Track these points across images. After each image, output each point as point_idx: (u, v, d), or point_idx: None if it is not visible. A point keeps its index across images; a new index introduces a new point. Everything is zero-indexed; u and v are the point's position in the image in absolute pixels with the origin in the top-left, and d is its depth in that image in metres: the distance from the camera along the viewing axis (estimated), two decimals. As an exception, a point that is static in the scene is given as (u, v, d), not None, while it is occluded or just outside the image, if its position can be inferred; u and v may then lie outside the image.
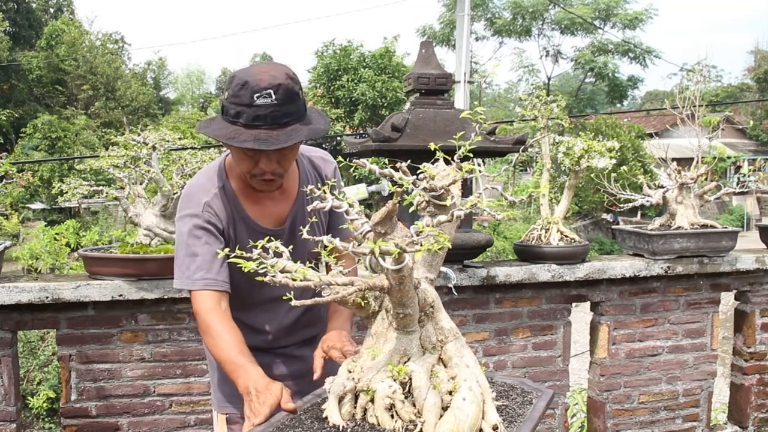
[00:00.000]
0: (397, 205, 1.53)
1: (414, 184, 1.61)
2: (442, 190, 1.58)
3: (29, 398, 7.14)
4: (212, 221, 2.14)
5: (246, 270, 1.55)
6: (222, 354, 1.98)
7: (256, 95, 1.92)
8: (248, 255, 1.76)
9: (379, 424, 1.57)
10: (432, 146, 1.68)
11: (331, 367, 2.32)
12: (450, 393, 1.57)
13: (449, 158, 1.73)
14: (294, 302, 1.52)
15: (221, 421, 2.38)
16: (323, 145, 24.95)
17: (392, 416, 1.57)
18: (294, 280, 1.51)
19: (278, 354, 2.36)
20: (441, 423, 1.51)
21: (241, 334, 2.03)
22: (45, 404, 7.13)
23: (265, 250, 1.57)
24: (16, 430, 3.21)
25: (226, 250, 1.83)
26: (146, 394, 3.30)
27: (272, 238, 2.12)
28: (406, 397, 1.59)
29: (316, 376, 2.15)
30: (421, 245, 1.45)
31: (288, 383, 1.93)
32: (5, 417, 3.19)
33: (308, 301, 1.55)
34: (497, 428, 1.54)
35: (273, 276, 1.53)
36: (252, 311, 2.30)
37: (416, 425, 1.54)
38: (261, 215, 2.22)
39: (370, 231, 1.57)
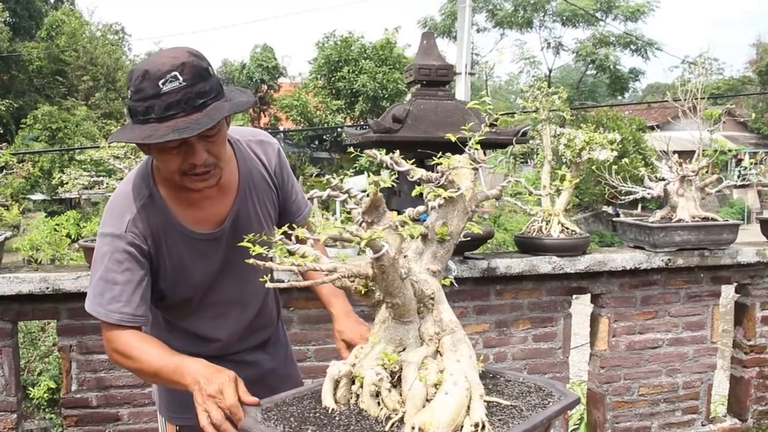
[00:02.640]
0: (381, 194, 1.53)
1: (428, 177, 1.59)
2: (446, 181, 1.57)
3: (30, 389, 7.16)
4: (136, 243, 1.90)
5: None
6: (153, 365, 1.81)
7: (161, 81, 1.69)
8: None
9: (365, 410, 1.60)
10: (450, 137, 1.65)
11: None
12: (436, 386, 1.57)
13: (459, 149, 1.72)
14: (298, 283, 1.49)
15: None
16: (324, 137, 24.92)
17: (378, 403, 1.59)
18: (282, 264, 1.48)
19: (230, 360, 2.13)
20: (418, 415, 1.51)
21: (159, 341, 1.88)
22: (46, 394, 7.15)
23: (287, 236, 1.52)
24: (16, 420, 3.22)
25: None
26: (146, 384, 3.30)
27: (210, 242, 2.01)
28: (395, 386, 1.60)
29: None
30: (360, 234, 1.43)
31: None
32: (6, 407, 3.19)
33: (306, 283, 1.55)
34: (481, 426, 1.50)
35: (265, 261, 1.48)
36: (203, 318, 2.12)
37: (399, 414, 1.55)
38: (195, 220, 1.99)
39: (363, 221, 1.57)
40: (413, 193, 1.55)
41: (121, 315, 1.86)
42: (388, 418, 1.55)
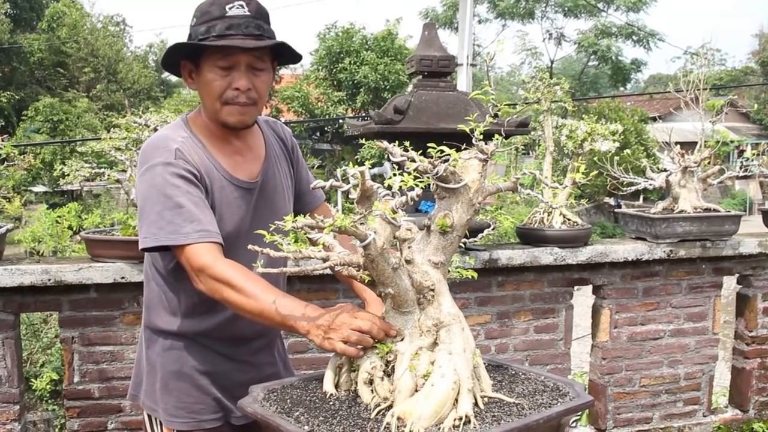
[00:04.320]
0: (373, 185, 1.54)
1: (434, 168, 1.59)
2: (446, 173, 1.57)
3: (32, 380, 7.16)
4: (188, 168, 1.88)
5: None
6: (260, 300, 1.73)
7: (228, 6, 1.86)
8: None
9: (360, 398, 1.63)
10: (463, 128, 1.64)
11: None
12: (425, 377, 1.57)
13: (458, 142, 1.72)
14: (289, 270, 1.53)
15: None
16: (326, 128, 24.90)
17: (372, 391, 1.61)
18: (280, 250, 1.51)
19: (233, 360, 2.11)
20: (401, 405, 1.52)
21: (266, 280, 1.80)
22: (48, 386, 7.15)
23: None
24: (19, 411, 3.23)
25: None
26: (149, 376, 3.30)
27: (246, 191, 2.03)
28: (388, 376, 1.62)
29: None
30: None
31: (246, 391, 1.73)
32: (9, 399, 3.20)
33: (295, 269, 1.57)
34: (466, 420, 1.49)
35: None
36: None
37: (387, 403, 1.57)
38: (233, 167, 2.02)
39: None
40: (404, 185, 1.54)
41: (198, 233, 1.81)
42: (378, 405, 1.56)
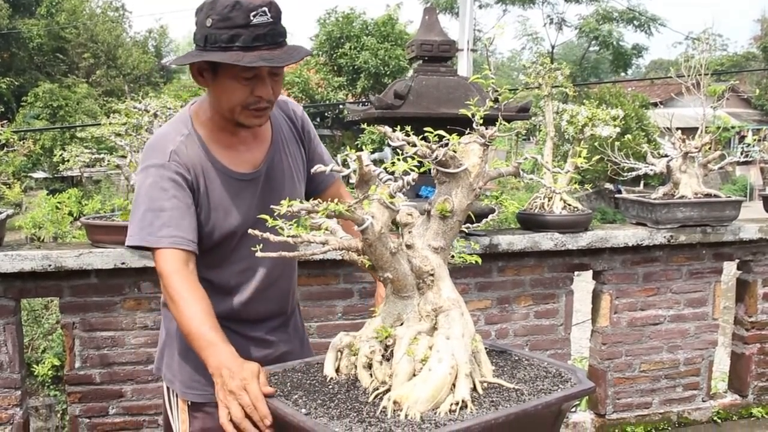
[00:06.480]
0: (372, 169, 1.53)
1: (433, 153, 1.58)
2: (446, 158, 1.56)
3: (34, 366, 7.20)
4: (180, 172, 1.92)
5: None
6: (192, 326, 1.78)
7: (252, 14, 1.80)
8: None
9: (359, 381, 1.64)
10: (465, 113, 1.64)
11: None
12: (423, 362, 1.58)
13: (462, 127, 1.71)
14: (288, 254, 1.56)
15: (182, 408, 2.13)
16: (326, 114, 24.85)
17: (370, 375, 1.62)
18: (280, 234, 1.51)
19: (249, 338, 2.13)
20: (398, 389, 1.52)
21: (210, 303, 1.85)
22: (50, 372, 7.19)
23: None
24: (21, 396, 3.24)
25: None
26: (149, 361, 3.31)
27: (247, 183, 2.03)
28: (387, 360, 1.62)
29: None
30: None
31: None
32: (10, 384, 3.21)
33: (295, 254, 1.57)
34: (462, 404, 1.50)
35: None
36: (232, 271, 2.08)
37: (386, 386, 1.58)
38: (234, 161, 2.03)
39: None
40: (401, 169, 1.54)
41: (171, 238, 1.86)
42: (376, 389, 1.57)
